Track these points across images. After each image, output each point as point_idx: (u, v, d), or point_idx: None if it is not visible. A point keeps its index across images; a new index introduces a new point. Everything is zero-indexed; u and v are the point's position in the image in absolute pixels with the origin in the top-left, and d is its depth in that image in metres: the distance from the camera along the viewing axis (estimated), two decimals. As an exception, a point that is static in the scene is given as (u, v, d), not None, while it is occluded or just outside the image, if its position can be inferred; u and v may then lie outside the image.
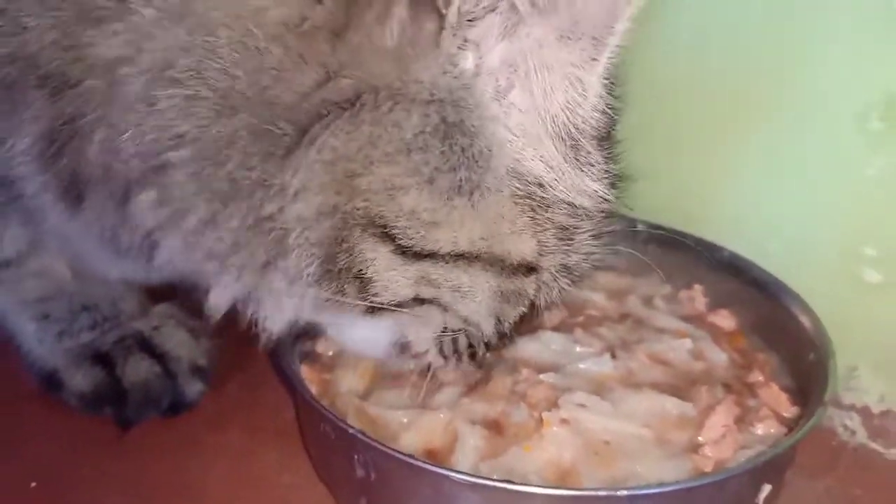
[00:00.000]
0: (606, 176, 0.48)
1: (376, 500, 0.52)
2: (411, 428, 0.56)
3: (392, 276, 0.46)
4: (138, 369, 0.64)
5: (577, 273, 0.52)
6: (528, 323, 0.55)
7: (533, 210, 0.46)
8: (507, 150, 0.44)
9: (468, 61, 0.42)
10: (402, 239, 0.45)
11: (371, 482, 0.50)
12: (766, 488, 0.51)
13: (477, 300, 0.48)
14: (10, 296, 0.64)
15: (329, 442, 0.53)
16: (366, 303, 0.46)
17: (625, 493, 0.46)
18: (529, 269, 0.48)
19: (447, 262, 0.46)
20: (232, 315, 0.51)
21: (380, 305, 0.47)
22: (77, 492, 0.57)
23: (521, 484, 0.46)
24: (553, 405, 0.57)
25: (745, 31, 0.66)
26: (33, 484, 0.57)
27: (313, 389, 0.59)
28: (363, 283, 0.46)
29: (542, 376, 0.60)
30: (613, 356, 0.62)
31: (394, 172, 0.43)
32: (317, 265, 0.45)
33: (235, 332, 0.51)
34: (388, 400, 0.59)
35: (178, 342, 0.66)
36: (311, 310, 0.48)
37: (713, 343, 0.64)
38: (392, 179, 0.43)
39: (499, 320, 0.51)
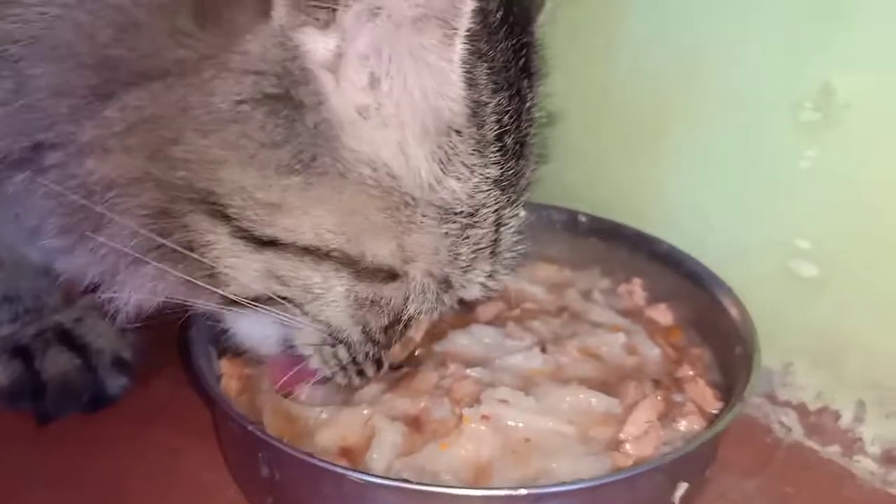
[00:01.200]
0: (483, 180, 0.45)
1: (281, 499, 0.50)
2: (329, 424, 0.55)
3: (236, 264, 0.43)
4: (57, 362, 0.63)
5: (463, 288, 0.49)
6: (403, 338, 0.52)
7: (391, 208, 0.43)
8: (352, 131, 0.41)
9: (313, 38, 0.39)
10: (238, 220, 0.42)
11: (275, 481, 0.49)
12: (683, 486, 0.50)
13: (332, 304, 0.46)
14: None
15: (236, 440, 0.52)
16: (218, 291, 0.44)
17: (524, 492, 0.44)
18: (390, 275, 0.46)
19: (294, 256, 0.43)
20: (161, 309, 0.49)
21: (233, 298, 0.45)
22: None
23: (418, 483, 0.45)
24: (476, 401, 0.55)
25: (679, 26, 0.65)
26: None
27: (234, 384, 0.58)
28: (205, 268, 0.43)
29: (468, 371, 0.58)
30: (543, 350, 0.61)
31: (209, 143, 0.40)
32: (142, 239, 0.42)
33: (166, 326, 0.50)
34: (314, 396, 0.57)
35: (101, 334, 0.64)
36: (166, 292, 0.46)
37: (647, 338, 0.63)
38: (208, 151, 0.40)
39: (365, 331, 0.48)
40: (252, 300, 0.45)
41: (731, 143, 0.63)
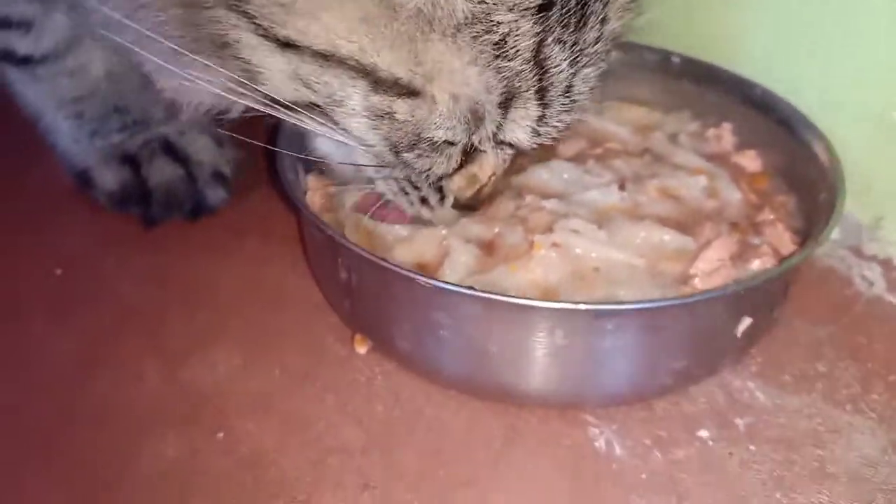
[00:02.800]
0: (509, 5, 0.42)
1: (357, 301, 0.54)
2: (407, 242, 0.57)
3: (266, 62, 0.44)
4: (163, 171, 0.67)
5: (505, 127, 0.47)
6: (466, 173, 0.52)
7: (398, 20, 0.42)
8: None
9: None
10: (257, 18, 0.42)
11: (352, 285, 0.52)
12: (746, 321, 0.50)
13: (352, 113, 0.45)
14: (47, 93, 0.66)
15: (318, 246, 0.55)
16: (259, 89, 0.46)
17: (584, 307, 0.46)
18: (408, 90, 0.44)
19: (312, 60, 0.43)
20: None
21: (273, 99, 0.46)
22: (98, 281, 0.62)
23: (483, 291, 0.47)
24: (548, 230, 0.56)
25: None
26: (59, 271, 0.62)
27: (317, 200, 0.61)
28: (241, 66, 0.45)
29: (544, 202, 0.59)
30: (622, 188, 0.61)
31: None
32: (179, 27, 0.44)
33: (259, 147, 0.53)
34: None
35: (202, 148, 0.68)
36: (217, 95, 0.48)
37: (730, 182, 0.62)
38: None
39: (391, 146, 0.47)
40: (291, 102, 0.46)
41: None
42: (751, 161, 0.65)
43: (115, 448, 0.50)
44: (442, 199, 0.54)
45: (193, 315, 0.59)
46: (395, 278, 0.48)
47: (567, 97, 0.48)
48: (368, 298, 0.53)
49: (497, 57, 0.44)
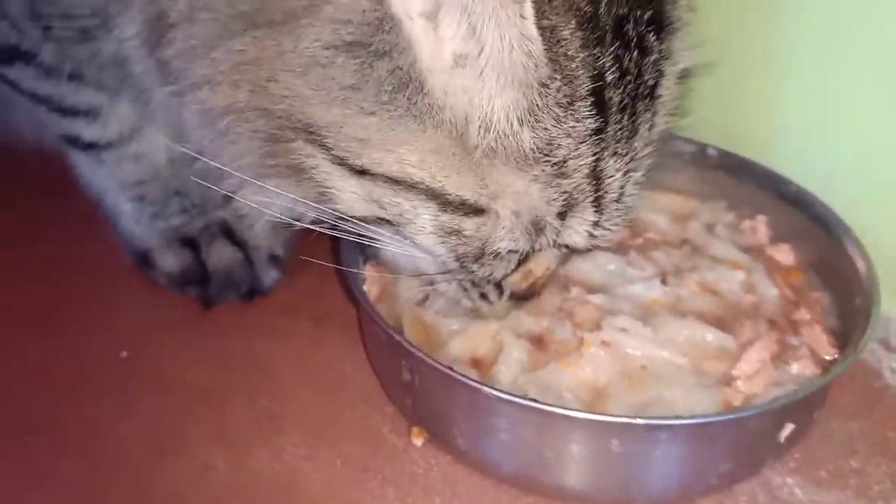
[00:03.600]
0: (570, 132, 0.45)
1: (420, 403, 0.57)
2: (460, 335, 0.60)
3: (340, 185, 0.48)
4: (221, 255, 0.70)
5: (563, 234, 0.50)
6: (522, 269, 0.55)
7: (469, 150, 0.45)
8: (435, 77, 0.44)
9: None
10: (334, 149, 0.46)
11: (416, 386, 0.55)
12: (789, 427, 0.53)
13: (421, 229, 0.49)
14: (110, 176, 0.70)
15: (380, 343, 0.57)
16: (329, 209, 0.50)
17: (641, 422, 0.49)
18: (474, 209, 0.48)
19: (385, 184, 0.47)
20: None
21: (343, 216, 0.50)
22: (161, 363, 0.64)
23: (544, 403, 0.49)
24: (596, 326, 0.59)
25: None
26: (124, 353, 0.64)
27: (375, 290, 0.63)
28: (316, 188, 0.49)
29: (590, 297, 0.62)
30: (664, 282, 0.64)
31: (299, 83, 0.45)
32: (260, 156, 0.48)
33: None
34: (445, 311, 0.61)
35: (258, 232, 0.71)
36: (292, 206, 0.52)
37: (766, 277, 0.65)
38: (299, 90, 0.45)
39: (457, 258, 0.51)
40: (360, 219, 0.50)
41: (867, 87, 0.62)
42: (785, 255, 0.68)
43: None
44: (501, 293, 0.57)
45: (255, 401, 0.61)
46: (460, 386, 0.51)
47: (620, 201, 0.51)
48: (431, 399, 0.56)
49: (557, 176, 0.47)
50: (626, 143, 0.48)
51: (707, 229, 0.71)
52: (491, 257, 0.50)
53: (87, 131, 0.66)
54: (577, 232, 0.50)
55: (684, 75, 0.53)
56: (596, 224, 0.50)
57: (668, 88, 0.51)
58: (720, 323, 0.61)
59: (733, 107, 0.74)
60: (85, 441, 0.58)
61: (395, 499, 0.55)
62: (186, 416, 0.60)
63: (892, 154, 0.63)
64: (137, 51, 0.55)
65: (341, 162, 0.47)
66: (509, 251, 0.50)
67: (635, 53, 0.46)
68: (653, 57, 0.48)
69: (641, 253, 0.67)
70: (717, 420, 0.51)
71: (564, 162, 0.46)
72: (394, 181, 0.47)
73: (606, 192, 0.49)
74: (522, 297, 0.58)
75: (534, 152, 0.45)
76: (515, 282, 0.56)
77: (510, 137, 0.45)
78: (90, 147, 0.68)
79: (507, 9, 0.41)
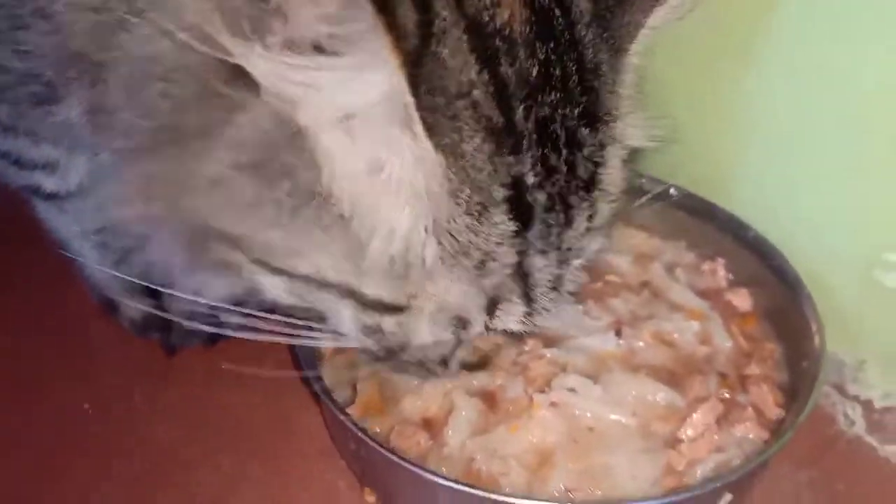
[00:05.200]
0: (487, 237, 0.45)
1: (367, 471, 0.58)
2: (414, 393, 0.60)
3: (264, 282, 0.49)
4: (182, 302, 0.70)
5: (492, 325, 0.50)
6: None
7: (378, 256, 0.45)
8: (343, 193, 0.43)
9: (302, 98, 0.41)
10: (251, 253, 0.47)
11: (361, 456, 0.56)
12: (727, 497, 0.54)
13: (345, 323, 0.49)
14: (73, 224, 0.70)
15: (330, 412, 0.58)
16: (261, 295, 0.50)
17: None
18: (393, 308, 0.48)
19: (304, 282, 0.47)
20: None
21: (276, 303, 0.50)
22: (127, 418, 0.65)
23: (480, 489, 0.51)
24: (547, 385, 0.60)
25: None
26: (87, 406, 0.66)
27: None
28: (246, 281, 0.49)
29: (544, 350, 0.63)
30: (618, 334, 0.64)
31: (206, 201, 0.45)
32: (186, 254, 0.50)
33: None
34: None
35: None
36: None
37: (722, 327, 0.66)
38: (207, 206, 0.45)
39: (390, 351, 0.51)
40: (291, 307, 0.50)
41: (832, 140, 0.62)
42: (742, 300, 0.69)
43: None
44: (446, 366, 0.57)
45: (219, 460, 0.63)
46: (400, 467, 0.52)
47: (555, 289, 0.51)
48: (376, 470, 0.57)
49: (479, 277, 0.47)
50: (557, 237, 0.48)
51: (668, 270, 0.72)
52: (417, 349, 0.51)
53: (48, 183, 0.67)
54: (509, 321, 0.50)
55: (633, 155, 0.52)
56: (528, 314, 0.50)
57: (610, 175, 0.50)
58: (672, 378, 0.62)
59: (700, 151, 0.73)
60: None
61: (345, 558, 0.57)
62: (154, 479, 0.61)
63: (848, 211, 0.63)
64: (83, 127, 0.55)
65: (261, 263, 0.47)
66: (437, 342, 0.50)
67: (564, 151, 0.46)
68: (586, 150, 0.47)
69: (599, 301, 0.68)
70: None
71: (483, 264, 0.46)
72: (311, 279, 0.47)
73: (535, 286, 0.49)
74: (474, 367, 0.59)
75: (449, 258, 0.45)
76: (462, 356, 0.57)
77: (420, 246, 0.44)
78: (51, 197, 0.68)
79: (396, 129, 0.40)
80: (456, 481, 0.51)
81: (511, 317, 0.50)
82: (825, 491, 0.62)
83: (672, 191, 0.73)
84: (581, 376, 0.60)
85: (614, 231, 0.71)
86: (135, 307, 0.71)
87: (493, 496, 0.50)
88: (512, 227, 0.45)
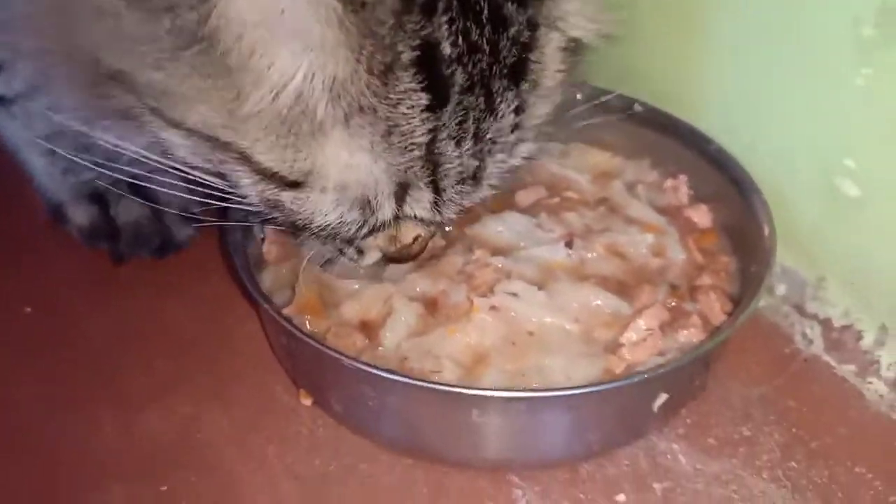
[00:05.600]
0: (395, 103, 0.42)
1: (298, 367, 0.58)
2: (356, 297, 0.59)
3: (167, 136, 0.46)
4: (130, 210, 0.70)
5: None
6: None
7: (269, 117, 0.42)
8: (231, 41, 0.40)
9: None
10: (144, 98, 0.44)
11: (291, 349, 0.55)
12: (663, 397, 0.52)
13: (247, 190, 0.47)
14: (22, 131, 0.69)
15: (263, 311, 0.57)
16: (171, 157, 0.48)
17: (491, 394, 0.48)
18: (289, 182, 0.45)
19: (202, 141, 0.44)
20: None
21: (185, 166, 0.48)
22: (67, 321, 0.65)
23: (398, 374, 0.49)
24: (490, 290, 0.59)
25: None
26: (28, 309, 0.65)
27: (274, 250, 0.63)
28: (152, 136, 0.48)
29: (492, 259, 0.61)
30: (569, 245, 0.62)
31: (95, 31, 0.43)
32: (90, 99, 0.48)
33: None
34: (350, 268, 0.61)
35: (170, 187, 0.70)
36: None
37: (678, 241, 0.64)
38: (97, 38, 0.43)
39: (296, 228, 0.49)
40: (202, 171, 0.48)
41: (790, 48, 0.60)
42: (702, 216, 0.66)
43: (60, 499, 0.53)
44: (360, 252, 0.56)
45: (152, 362, 0.62)
46: (325, 355, 0.50)
47: (472, 183, 0.49)
48: (306, 364, 0.56)
49: (384, 152, 0.44)
50: (475, 124, 0.45)
51: (629, 189, 0.70)
52: (322, 230, 0.49)
53: None
54: (417, 208, 0.48)
55: (576, 47, 0.50)
56: (437, 203, 0.48)
57: (542, 65, 0.47)
58: (621, 288, 0.60)
59: (664, 62, 0.71)
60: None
61: (274, 457, 0.56)
62: (82, 375, 0.61)
63: (808, 116, 0.60)
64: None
65: (156, 112, 0.45)
66: (342, 223, 0.48)
67: (488, 28, 0.43)
68: (512, 30, 0.44)
69: (553, 214, 0.66)
70: (567, 395, 0.50)
71: (389, 134, 0.43)
72: (207, 138, 0.44)
73: (446, 175, 0.46)
74: (396, 259, 0.57)
75: (351, 123, 0.43)
76: (382, 245, 0.55)
77: (322, 106, 0.42)
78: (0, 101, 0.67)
79: None
80: (380, 368, 0.49)
81: (419, 203, 0.48)
82: (775, 406, 0.60)
83: (637, 106, 0.71)
84: (526, 283, 0.59)
85: (573, 149, 0.73)
86: (83, 215, 0.70)
87: (414, 381, 0.48)
88: (423, 99, 0.43)
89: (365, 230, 0.49)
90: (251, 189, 0.47)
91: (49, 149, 0.69)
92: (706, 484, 0.55)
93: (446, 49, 0.42)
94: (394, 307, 0.58)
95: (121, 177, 0.69)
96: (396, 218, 0.49)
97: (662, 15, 0.71)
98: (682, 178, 0.69)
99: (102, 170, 0.69)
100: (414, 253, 0.56)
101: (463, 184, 0.48)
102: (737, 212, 0.64)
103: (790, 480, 0.55)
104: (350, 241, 0.54)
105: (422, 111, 0.43)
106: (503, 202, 0.67)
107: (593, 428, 0.52)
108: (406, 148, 0.44)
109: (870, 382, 0.61)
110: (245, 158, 0.45)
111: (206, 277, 0.69)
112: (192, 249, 0.71)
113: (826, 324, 0.64)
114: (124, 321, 0.65)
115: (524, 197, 0.68)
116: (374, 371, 0.49)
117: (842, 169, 0.59)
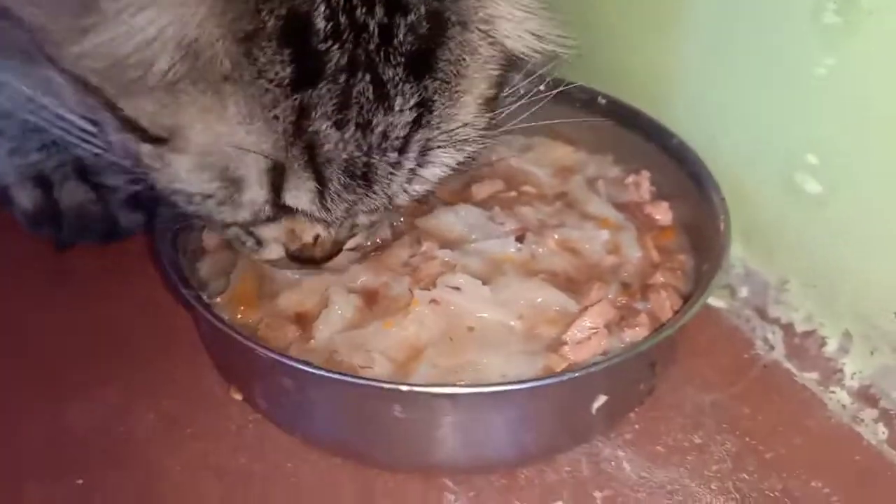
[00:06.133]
0: (276, 87, 0.40)
1: (220, 357, 0.55)
2: (294, 287, 0.57)
3: (50, 76, 0.45)
4: (74, 194, 0.68)
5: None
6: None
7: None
8: None
9: None
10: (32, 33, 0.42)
11: (219, 345, 0.53)
12: (601, 398, 0.50)
13: (111, 143, 0.45)
14: None
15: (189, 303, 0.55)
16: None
17: (405, 388, 0.45)
18: (150, 137, 0.43)
19: (74, 83, 0.43)
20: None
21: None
22: (7, 314, 0.63)
23: (311, 365, 0.46)
24: (433, 284, 0.56)
25: None
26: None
27: (214, 238, 0.61)
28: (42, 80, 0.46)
29: (438, 252, 0.59)
30: (520, 239, 0.60)
31: None
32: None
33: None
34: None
35: (117, 172, 0.68)
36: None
37: (634, 238, 0.61)
38: None
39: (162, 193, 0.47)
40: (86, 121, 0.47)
41: (750, 38, 0.57)
42: (663, 213, 0.64)
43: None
44: (258, 243, 0.54)
45: (86, 353, 0.60)
46: (238, 344, 0.48)
47: (363, 183, 0.45)
48: (228, 356, 0.53)
49: (246, 123, 0.42)
50: (361, 112, 0.42)
51: (589, 184, 0.67)
52: (187, 201, 0.46)
53: None
54: (303, 200, 0.45)
55: (512, 59, 0.47)
56: (322, 195, 0.45)
57: (457, 65, 0.44)
58: (571, 285, 0.58)
59: (628, 58, 0.69)
60: None
61: (198, 453, 0.54)
62: (9, 362, 0.59)
63: (775, 115, 0.58)
64: None
65: (41, 50, 0.43)
66: (204, 196, 0.45)
67: (379, 11, 0.40)
68: (410, 17, 0.41)
69: (507, 208, 0.63)
70: (490, 391, 0.47)
71: (254, 106, 0.41)
72: (78, 79, 0.42)
73: (328, 162, 0.43)
74: (299, 259, 0.54)
75: (214, 88, 0.40)
76: (281, 239, 0.53)
77: (174, 64, 0.39)
78: None
79: None
80: (293, 358, 0.47)
81: (301, 192, 0.45)
82: (729, 414, 0.57)
83: (600, 99, 0.68)
84: (471, 277, 0.56)
85: (537, 143, 0.71)
86: (27, 198, 0.68)
87: (330, 374, 0.46)
88: (288, 71, 0.40)
89: (242, 214, 0.46)
90: (115, 137, 0.45)
91: (-2, 129, 0.68)
92: (649, 493, 0.52)
93: (319, 23, 0.40)
94: (331, 299, 0.55)
95: (67, 158, 0.69)
96: (281, 208, 0.46)
97: (628, 7, 0.68)
98: (645, 174, 0.66)
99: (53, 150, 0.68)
100: (318, 256, 0.53)
101: (352, 179, 0.45)
102: (696, 209, 0.61)
103: (740, 493, 0.52)
104: (247, 231, 0.52)
105: (287, 85, 0.40)
106: (458, 195, 0.65)
107: (527, 429, 0.50)
108: (272, 121, 0.41)
109: (832, 392, 0.58)
110: (111, 106, 0.43)
111: (150, 268, 0.66)
112: (139, 237, 0.69)
113: (788, 329, 0.61)
114: (63, 310, 0.63)
115: (480, 190, 0.66)
116: (288, 362, 0.46)
117: (803, 165, 0.56)
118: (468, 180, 0.66)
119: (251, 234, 0.52)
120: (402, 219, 0.62)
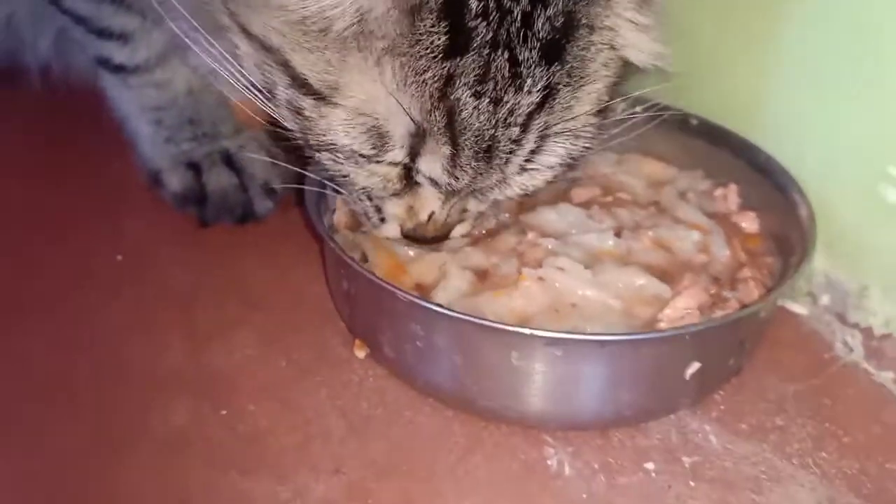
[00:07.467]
0: (430, 55, 0.47)
1: (355, 310, 0.62)
2: (413, 263, 0.64)
3: (238, 41, 0.52)
4: (220, 179, 0.76)
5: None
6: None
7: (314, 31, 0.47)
8: None
9: None
10: (228, 3, 0.50)
11: (352, 294, 0.60)
12: (695, 365, 0.55)
13: (280, 101, 0.52)
14: (133, 99, 0.77)
15: (328, 258, 0.62)
16: (242, 70, 0.54)
17: (528, 331, 0.51)
18: (315, 93, 0.50)
19: (259, 46, 0.50)
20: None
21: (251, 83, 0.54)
22: (151, 268, 0.71)
23: (447, 308, 0.53)
24: (539, 265, 0.62)
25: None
26: (119, 257, 0.72)
27: (343, 218, 0.68)
28: (231, 47, 0.53)
29: (543, 240, 0.65)
30: (618, 235, 0.66)
31: None
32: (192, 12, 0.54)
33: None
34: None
35: (257, 163, 0.77)
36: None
37: (723, 240, 0.67)
38: None
39: (311, 147, 0.54)
40: (257, 86, 0.54)
41: (840, 57, 0.63)
42: (750, 222, 0.69)
43: (131, 404, 0.59)
44: (382, 219, 0.60)
45: (223, 304, 0.67)
46: (381, 290, 0.55)
47: (486, 158, 0.51)
48: (363, 308, 0.60)
49: (400, 87, 0.48)
50: (496, 86, 0.48)
51: (680, 195, 0.73)
52: (334, 151, 0.53)
53: (118, 54, 0.73)
54: (432, 163, 0.51)
55: (627, 63, 0.54)
56: (453, 162, 0.50)
57: (582, 57, 0.50)
58: (664, 276, 0.63)
59: (717, 79, 0.75)
60: (74, 320, 0.66)
61: (326, 398, 0.60)
62: (159, 308, 0.67)
63: (852, 130, 0.63)
64: None
65: (233, 16, 0.51)
66: (354, 151, 0.52)
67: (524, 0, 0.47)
68: (550, 10, 0.48)
69: (605, 209, 0.70)
70: (607, 340, 0.53)
71: (408, 71, 0.47)
72: (262, 46, 0.50)
73: (464, 129, 0.49)
74: (413, 238, 0.60)
75: (376, 53, 0.47)
76: (400, 216, 0.59)
77: (350, 29, 0.46)
78: (119, 69, 0.74)
79: None
80: (428, 301, 0.53)
81: (435, 159, 0.51)
82: (809, 403, 0.61)
83: (692, 120, 0.75)
84: (573, 261, 0.62)
85: (628, 159, 0.77)
86: (178, 181, 0.77)
87: (461, 315, 0.52)
88: (441, 40, 0.46)
89: (374, 179, 0.54)
90: (282, 94, 0.52)
91: (156, 118, 0.77)
92: (734, 462, 0.57)
93: (472, 3, 0.47)
94: (448, 271, 0.62)
95: (216, 148, 0.77)
96: (411, 179, 0.54)
97: (721, 32, 0.75)
98: (732, 186, 0.72)
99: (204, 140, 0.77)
100: (429, 234, 0.60)
101: (478, 150, 0.50)
102: (782, 217, 0.66)
103: (819, 468, 0.57)
104: (376, 207, 0.59)
105: (440, 53, 0.47)
106: (558, 197, 0.71)
107: (627, 385, 0.55)
108: (421, 87, 0.48)
109: (907, 389, 0.62)
110: (285, 65, 0.50)
111: (280, 243, 0.74)
112: (269, 221, 0.77)
113: (867, 332, 0.65)
114: (202, 271, 0.71)
115: (578, 194, 0.72)
116: (423, 303, 0.53)
117: (885, 176, 0.61)
118: (567, 186, 0.72)
119: (378, 209, 0.59)
120: (507, 214, 0.68)
